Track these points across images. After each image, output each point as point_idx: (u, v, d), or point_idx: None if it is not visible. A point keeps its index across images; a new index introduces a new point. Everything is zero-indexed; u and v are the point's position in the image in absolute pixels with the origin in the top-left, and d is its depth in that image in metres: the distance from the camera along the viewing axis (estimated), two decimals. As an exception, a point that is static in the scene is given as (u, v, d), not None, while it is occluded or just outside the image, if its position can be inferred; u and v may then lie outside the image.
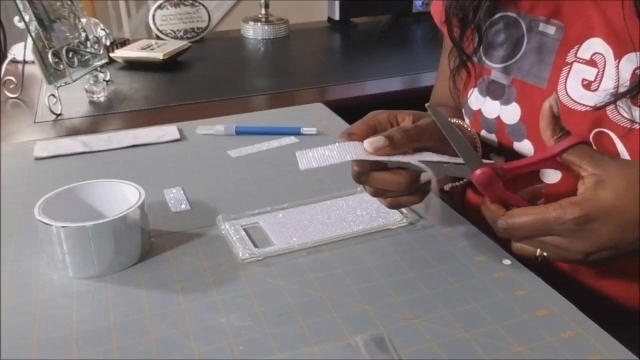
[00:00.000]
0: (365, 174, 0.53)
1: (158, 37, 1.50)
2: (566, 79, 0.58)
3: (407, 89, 1.20)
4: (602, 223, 0.45)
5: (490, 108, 0.66)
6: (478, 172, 0.49)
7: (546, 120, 0.50)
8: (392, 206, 0.57)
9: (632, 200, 0.45)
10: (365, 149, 0.52)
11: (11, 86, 1.10)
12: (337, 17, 1.65)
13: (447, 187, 0.56)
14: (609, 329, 0.47)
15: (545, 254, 0.50)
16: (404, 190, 0.54)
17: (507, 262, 0.56)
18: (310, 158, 0.51)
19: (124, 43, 1.37)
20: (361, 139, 0.53)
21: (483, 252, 0.57)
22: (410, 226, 0.62)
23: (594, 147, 0.56)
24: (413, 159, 0.51)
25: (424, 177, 0.53)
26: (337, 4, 1.64)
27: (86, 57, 1.10)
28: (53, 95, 1.00)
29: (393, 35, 1.63)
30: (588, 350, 0.45)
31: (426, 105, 0.52)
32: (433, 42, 1.41)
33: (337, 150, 0.52)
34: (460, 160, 0.50)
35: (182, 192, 0.70)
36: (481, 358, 0.44)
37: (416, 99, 0.87)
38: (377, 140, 0.51)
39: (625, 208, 0.45)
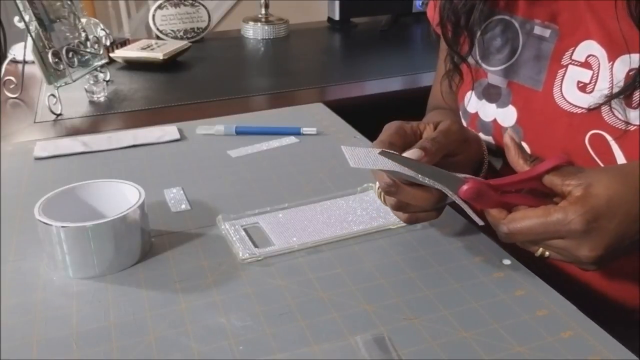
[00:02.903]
0: (396, 186, 0.52)
1: (158, 37, 1.50)
2: (562, 82, 0.59)
3: (407, 89, 1.20)
4: (607, 220, 0.45)
5: (487, 111, 0.66)
6: (465, 187, 0.48)
7: (512, 151, 0.52)
8: (410, 221, 0.56)
9: (627, 191, 0.45)
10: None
11: (11, 86, 1.10)
12: (337, 17, 1.65)
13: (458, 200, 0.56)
14: (609, 329, 0.47)
15: (547, 253, 0.49)
16: (430, 207, 0.54)
17: (507, 262, 0.56)
18: (361, 158, 0.50)
19: (124, 43, 1.37)
20: (400, 149, 0.53)
21: (483, 252, 0.57)
22: (410, 226, 0.62)
23: (589, 149, 0.56)
24: (413, 172, 0.50)
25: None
26: (337, 4, 1.64)
27: (86, 57, 1.10)
28: (53, 95, 1.00)
29: (393, 35, 1.63)
30: (588, 350, 0.45)
31: (379, 152, 0.50)
32: (433, 42, 1.41)
33: (384, 157, 0.50)
34: (440, 185, 0.49)
35: (182, 192, 0.70)
36: (481, 358, 0.44)
37: (416, 99, 0.87)
38: (415, 152, 0.51)
39: (623, 199, 0.45)
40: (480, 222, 0.50)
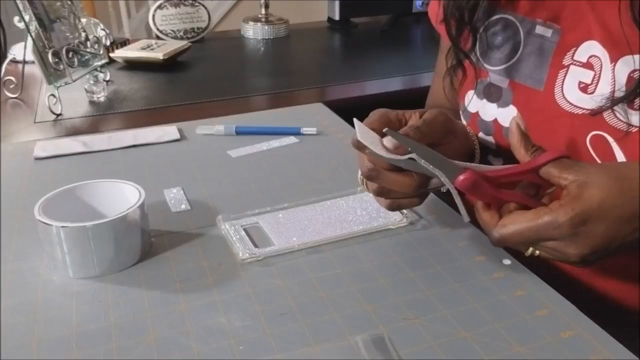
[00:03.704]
0: (376, 171, 0.52)
1: (158, 37, 1.50)
2: (563, 82, 0.58)
3: (407, 89, 1.20)
4: (595, 223, 0.45)
5: (488, 110, 0.66)
6: (461, 177, 0.48)
7: (516, 138, 0.51)
8: (392, 208, 0.57)
9: (621, 194, 0.45)
10: (382, 145, 0.51)
11: (11, 86, 1.10)
12: (337, 17, 1.66)
13: (443, 189, 0.56)
14: (609, 329, 0.47)
15: (538, 252, 0.49)
16: (412, 193, 0.54)
17: (507, 262, 0.56)
18: (366, 135, 0.51)
19: (124, 43, 1.37)
20: (380, 136, 0.53)
21: (483, 252, 0.57)
22: (410, 226, 0.62)
23: (590, 150, 0.56)
24: (413, 154, 0.50)
25: (434, 182, 0.52)
26: (337, 4, 1.64)
27: (86, 57, 1.10)
28: (53, 95, 1.00)
29: (393, 35, 1.63)
30: (588, 350, 0.45)
31: (384, 130, 0.51)
32: (433, 42, 1.42)
33: (367, 137, 0.51)
34: (438, 171, 0.49)
35: (182, 192, 0.70)
36: (481, 358, 0.44)
37: (416, 99, 0.87)
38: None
39: (615, 203, 0.45)
40: (467, 219, 0.50)
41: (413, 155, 0.49)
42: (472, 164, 0.50)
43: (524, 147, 0.51)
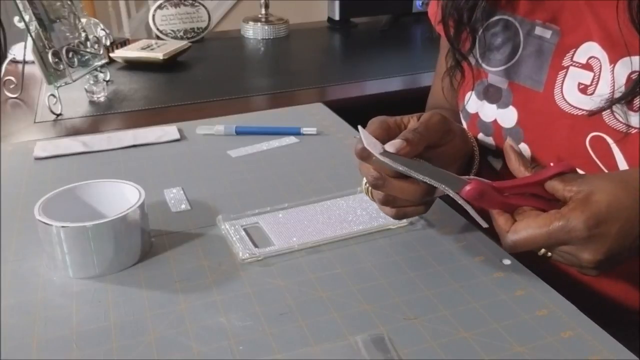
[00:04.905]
0: (382, 179, 0.52)
1: (158, 37, 1.50)
2: (562, 83, 0.58)
3: (407, 89, 1.20)
4: (609, 224, 0.45)
5: (488, 111, 0.66)
6: (468, 187, 0.48)
7: (512, 159, 0.53)
8: (398, 216, 0.56)
9: (627, 197, 0.45)
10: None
11: (11, 86, 1.10)
12: (337, 17, 1.66)
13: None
14: (609, 329, 0.47)
15: (549, 254, 0.49)
16: (417, 201, 0.54)
17: (507, 262, 0.56)
18: (371, 143, 0.51)
19: (124, 43, 1.37)
20: (383, 143, 0.53)
21: (483, 252, 0.57)
22: (410, 226, 0.62)
23: (590, 151, 0.56)
24: (414, 172, 0.50)
25: (440, 190, 0.52)
26: (337, 4, 1.64)
27: (86, 57, 1.10)
28: (53, 95, 1.00)
29: (393, 35, 1.63)
30: (588, 350, 0.45)
31: (380, 152, 0.51)
32: (433, 42, 1.42)
33: (371, 144, 0.51)
34: (443, 184, 0.49)
35: (182, 192, 0.70)
36: (481, 358, 0.44)
37: (416, 99, 0.87)
38: (397, 142, 0.51)
39: (622, 205, 0.45)
40: (485, 225, 0.51)
41: (415, 174, 0.49)
42: (475, 177, 0.50)
43: (523, 165, 0.52)
